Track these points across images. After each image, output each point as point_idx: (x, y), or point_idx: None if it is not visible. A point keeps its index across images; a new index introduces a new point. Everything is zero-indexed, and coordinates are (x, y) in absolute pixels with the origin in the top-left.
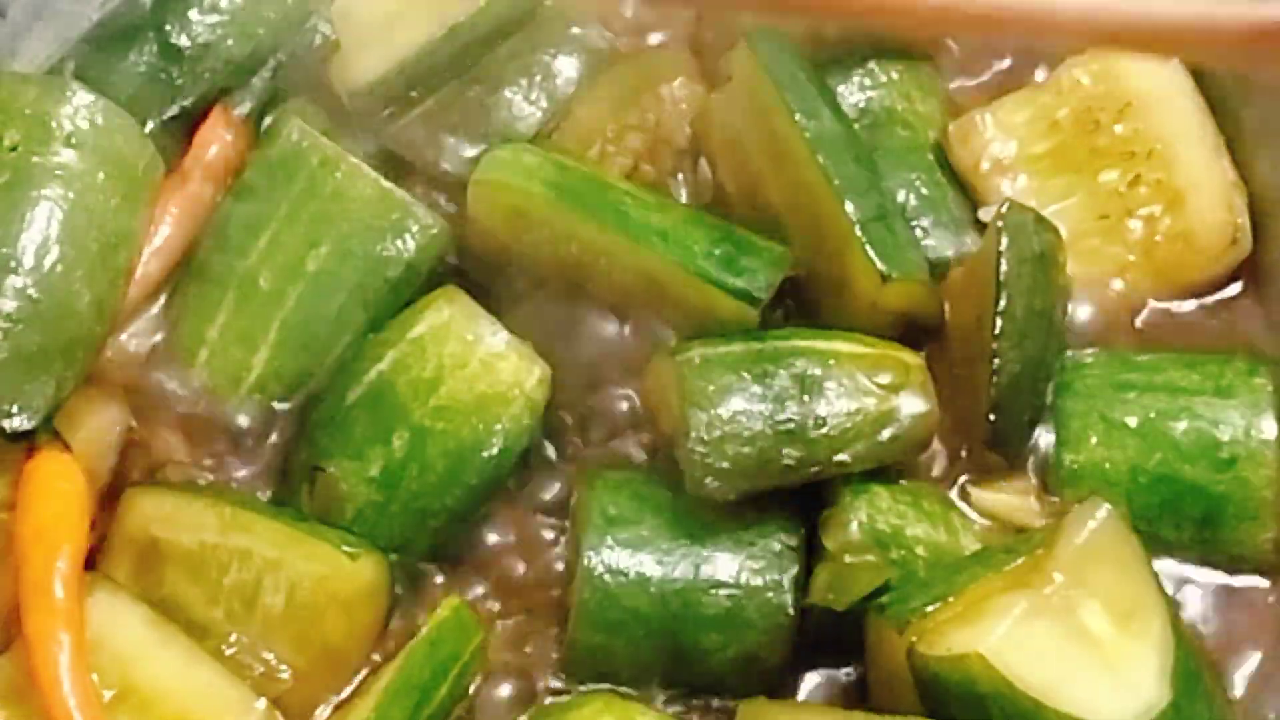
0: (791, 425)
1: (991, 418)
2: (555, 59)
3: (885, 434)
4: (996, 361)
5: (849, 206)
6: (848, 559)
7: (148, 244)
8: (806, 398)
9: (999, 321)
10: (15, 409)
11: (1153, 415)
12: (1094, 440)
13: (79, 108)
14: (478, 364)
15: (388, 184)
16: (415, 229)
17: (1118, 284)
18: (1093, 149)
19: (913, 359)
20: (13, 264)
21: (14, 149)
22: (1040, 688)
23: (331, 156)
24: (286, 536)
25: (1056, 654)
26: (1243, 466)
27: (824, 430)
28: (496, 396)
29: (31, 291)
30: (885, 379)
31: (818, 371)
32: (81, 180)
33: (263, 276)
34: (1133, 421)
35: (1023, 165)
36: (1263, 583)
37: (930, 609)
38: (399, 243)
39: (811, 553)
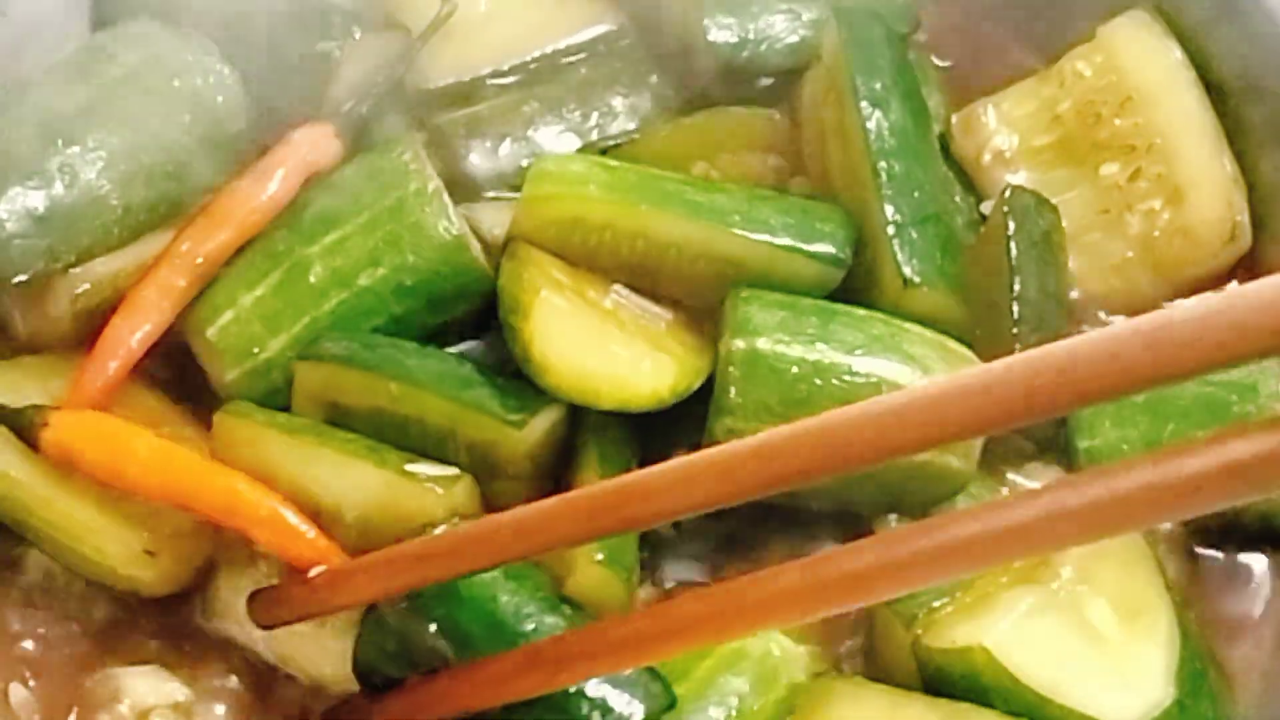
0: None
1: None
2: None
3: None
4: (1018, 347)
5: (888, 208)
6: None
7: (209, 235)
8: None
9: (1016, 307)
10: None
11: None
12: (1107, 423)
13: (199, 61)
14: None
15: (469, 236)
16: (473, 283)
17: (1117, 279)
18: (1094, 142)
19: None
20: (60, 141)
21: (122, 66)
22: (1045, 683)
23: (429, 191)
24: None
25: (1062, 650)
26: None
27: None
28: None
29: (70, 162)
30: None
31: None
32: (165, 105)
33: (315, 270)
34: (1140, 397)
35: (1024, 158)
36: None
37: (937, 604)
38: (451, 291)
39: None
